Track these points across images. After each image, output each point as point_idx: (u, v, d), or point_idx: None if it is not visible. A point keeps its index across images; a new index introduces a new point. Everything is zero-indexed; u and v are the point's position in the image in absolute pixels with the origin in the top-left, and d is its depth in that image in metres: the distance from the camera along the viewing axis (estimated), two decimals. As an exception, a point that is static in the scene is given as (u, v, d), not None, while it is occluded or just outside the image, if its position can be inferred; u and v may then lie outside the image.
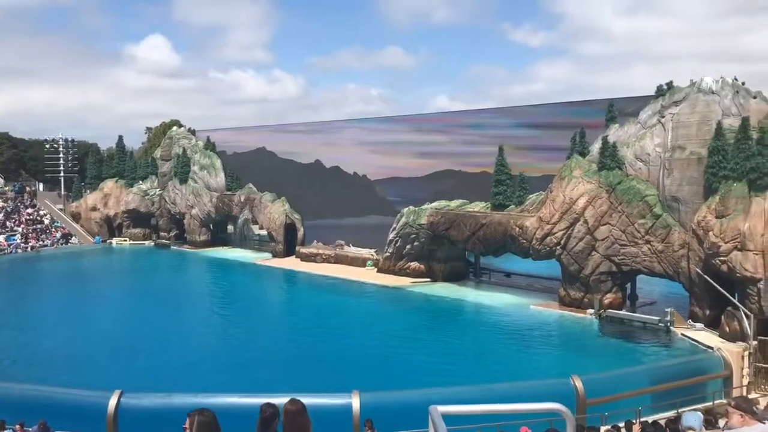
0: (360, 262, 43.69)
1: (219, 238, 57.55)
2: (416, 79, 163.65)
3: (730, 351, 22.01)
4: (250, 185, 53.36)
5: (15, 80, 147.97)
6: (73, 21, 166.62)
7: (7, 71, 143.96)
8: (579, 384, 12.99)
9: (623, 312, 29.57)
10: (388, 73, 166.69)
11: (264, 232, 53.27)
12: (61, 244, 55.64)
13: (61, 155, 68.39)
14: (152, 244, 58.43)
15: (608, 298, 29.99)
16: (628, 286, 31.97)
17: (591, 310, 29.82)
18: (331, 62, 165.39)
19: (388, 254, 40.65)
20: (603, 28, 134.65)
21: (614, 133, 31.26)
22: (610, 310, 29.37)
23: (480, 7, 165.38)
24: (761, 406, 12.93)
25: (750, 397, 18.37)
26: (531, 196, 34.38)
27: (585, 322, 29.29)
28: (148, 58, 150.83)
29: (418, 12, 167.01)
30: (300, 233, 49.68)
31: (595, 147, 31.70)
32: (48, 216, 59.93)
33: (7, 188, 62.13)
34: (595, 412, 14.50)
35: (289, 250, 49.16)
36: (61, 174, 68.18)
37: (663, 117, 29.05)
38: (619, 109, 31.98)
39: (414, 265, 39.40)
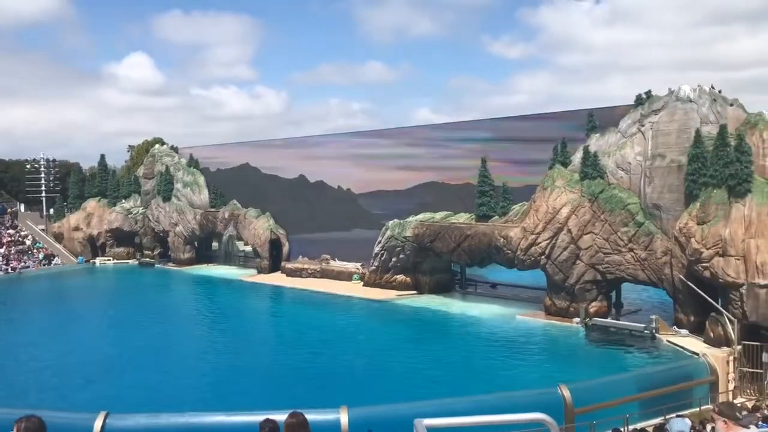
0: (346, 276, 43.62)
1: (204, 256, 57.18)
2: (398, 93, 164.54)
3: (715, 356, 22.20)
4: (234, 201, 53.19)
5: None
6: (53, 40, 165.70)
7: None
8: (567, 393, 13.04)
9: (609, 320, 29.74)
10: (369, 88, 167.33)
11: (249, 249, 53.06)
12: (44, 265, 55.02)
13: (43, 175, 67.81)
14: (136, 262, 57.95)
15: (594, 307, 30.18)
16: (613, 294, 32.19)
17: (577, 319, 29.96)
18: (312, 77, 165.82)
19: (374, 267, 40.63)
20: (581, 40, 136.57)
21: (595, 142, 31.57)
22: (595, 319, 29.51)
23: (459, 20, 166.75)
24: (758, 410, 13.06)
25: (736, 401, 18.52)
26: (515, 206, 34.59)
27: (571, 330, 29.42)
28: (130, 76, 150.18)
29: (398, 27, 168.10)
30: (285, 248, 49.53)
31: (577, 157, 31.99)
32: (30, 237, 59.30)
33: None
34: (583, 421, 14.56)
35: (274, 266, 48.99)
36: (43, 194, 67.56)
37: (643, 126, 29.41)
38: (599, 119, 32.32)
39: (400, 277, 39.42)
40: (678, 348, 24.76)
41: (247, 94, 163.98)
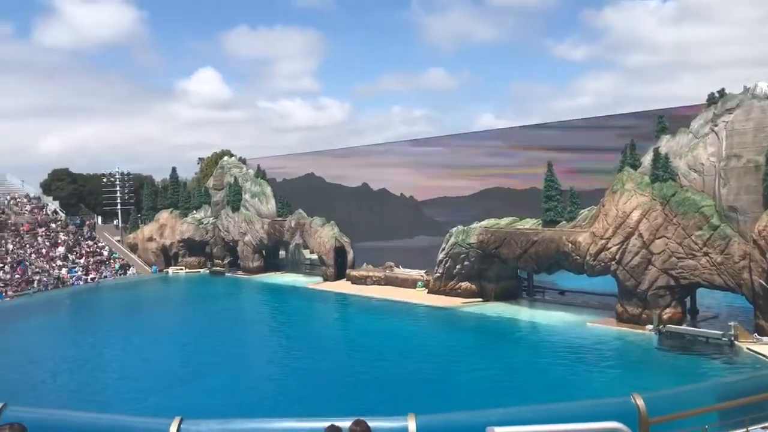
0: (410, 284, 43.61)
1: (271, 264, 58.32)
2: (460, 99, 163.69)
3: (801, 365, 21.12)
4: (300, 211, 54.05)
5: (74, 118, 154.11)
6: (127, 59, 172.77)
7: (67, 109, 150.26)
8: (640, 402, 12.57)
9: (684, 327, 28.65)
10: (431, 95, 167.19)
11: (315, 257, 53.79)
12: (120, 274, 57.23)
13: (118, 188, 70.67)
14: (207, 271, 59.62)
15: (667, 313, 29.15)
16: (688, 299, 31.01)
17: (650, 326, 29.01)
18: (375, 87, 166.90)
19: (438, 275, 40.47)
20: (647, 39, 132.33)
21: (665, 144, 30.61)
22: (669, 326, 28.49)
23: (521, 25, 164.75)
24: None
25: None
26: (583, 211, 33.86)
27: (644, 338, 28.51)
28: (200, 91, 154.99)
29: (458, 33, 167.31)
30: (350, 256, 49.95)
31: (647, 159, 31.07)
32: (107, 248, 61.81)
33: (68, 222, 64.33)
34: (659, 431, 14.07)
35: (339, 274, 49.47)
36: (118, 206, 70.39)
37: (716, 125, 28.34)
38: (669, 120, 31.33)
39: (465, 284, 39.11)
40: (759, 356, 23.64)
41: (312, 106, 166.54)
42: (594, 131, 35.93)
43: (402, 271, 45.84)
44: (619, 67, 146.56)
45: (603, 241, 30.67)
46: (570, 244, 32.05)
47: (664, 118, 31.43)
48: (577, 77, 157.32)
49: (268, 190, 58.20)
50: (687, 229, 28.21)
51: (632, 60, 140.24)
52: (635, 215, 29.87)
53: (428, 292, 41.08)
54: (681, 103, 31.97)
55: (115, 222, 71.35)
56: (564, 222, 34.26)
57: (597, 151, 35.27)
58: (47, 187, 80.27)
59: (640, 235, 29.61)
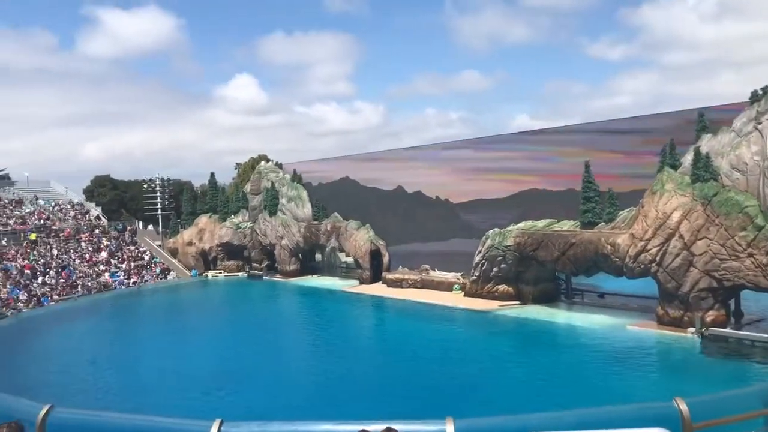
0: (446, 287, 43.48)
1: (308, 267, 58.77)
2: (495, 100, 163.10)
3: None
4: (336, 214, 54.37)
5: (115, 125, 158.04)
6: (167, 67, 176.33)
7: (109, 117, 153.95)
8: (684, 407, 12.32)
9: (728, 330, 28.00)
10: (466, 96, 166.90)
11: (350, 260, 54.03)
12: (161, 278, 58.28)
13: (158, 194, 72.20)
14: (245, 275, 60.36)
15: (710, 316, 28.51)
16: (732, 302, 30.28)
17: (692, 329, 28.42)
18: (409, 89, 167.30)
19: (474, 278, 40.27)
20: (686, 37, 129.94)
21: (707, 143, 29.96)
22: (713, 328, 27.88)
23: (555, 24, 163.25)
24: None
25: None
26: (622, 212, 33.35)
27: (686, 341, 27.94)
28: (237, 97, 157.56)
29: (492, 34, 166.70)
30: (385, 259, 50.03)
31: (687, 159, 30.45)
32: (148, 252, 63.03)
33: (110, 227, 65.82)
34: (702, 437, 13.77)
35: (375, 277, 49.59)
36: (159, 212, 71.87)
37: (760, 123, 27.63)
38: (709, 118, 30.66)
39: (502, 287, 38.85)
40: (808, 360, 22.98)
41: (347, 110, 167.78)
42: (632, 131, 35.37)
43: (438, 274, 45.73)
44: (657, 66, 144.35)
45: (642, 243, 30.16)
46: (609, 246, 31.60)
47: (704, 116, 30.78)
48: (613, 76, 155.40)
49: (304, 194, 58.70)
50: (730, 229, 27.56)
51: (671, 58, 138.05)
52: (676, 216, 29.30)
53: (464, 295, 40.90)
54: (722, 102, 31.28)
55: (153, 227, 72.80)
56: (602, 224, 33.79)
57: (635, 152, 34.72)
58: (90, 194, 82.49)
59: (681, 237, 29.04)
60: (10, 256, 52.33)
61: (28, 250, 54.46)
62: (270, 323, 39.23)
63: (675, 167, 30.92)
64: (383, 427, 5.45)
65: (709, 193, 28.68)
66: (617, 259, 31.21)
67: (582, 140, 37.62)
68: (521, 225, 38.02)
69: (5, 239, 55.35)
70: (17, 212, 62.54)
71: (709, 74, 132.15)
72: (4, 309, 42.39)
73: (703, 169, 29.19)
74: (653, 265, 29.85)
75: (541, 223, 37.37)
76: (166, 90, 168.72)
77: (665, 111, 34.78)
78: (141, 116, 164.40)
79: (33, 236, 57.24)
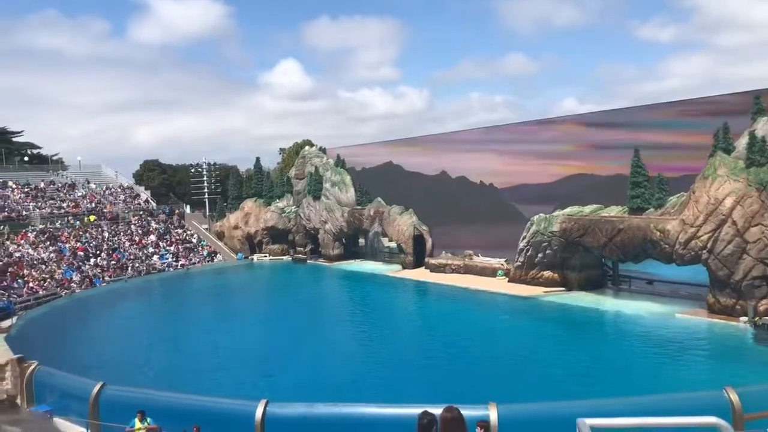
0: (490, 272, 43.22)
1: (351, 252, 59.13)
2: (542, 84, 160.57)
3: None
4: (379, 199, 54.46)
5: (165, 111, 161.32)
6: (215, 54, 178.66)
7: (159, 103, 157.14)
8: (734, 397, 12.05)
9: (783, 319, 27.15)
10: (512, 80, 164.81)
11: (393, 245, 54.16)
12: (207, 261, 59.41)
13: (205, 178, 73.40)
14: (290, 258, 61.11)
15: (764, 305, 27.66)
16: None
17: (744, 318, 27.66)
18: (454, 74, 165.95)
19: (519, 263, 39.92)
20: (741, 17, 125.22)
21: (762, 126, 28.94)
22: (766, 318, 27.07)
23: (604, 6, 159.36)
24: None
25: None
26: (671, 198, 32.55)
27: (738, 330, 27.21)
28: (282, 83, 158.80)
29: (539, 17, 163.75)
30: (428, 244, 49.95)
31: (742, 143, 29.48)
32: (195, 236, 64.28)
33: (158, 210, 67.32)
34: (754, 429, 13.42)
35: (418, 262, 49.59)
36: (206, 196, 73.15)
37: (820, 106, 26.56)
38: (766, 101, 29.58)
39: (547, 273, 38.41)
40: None
41: (391, 94, 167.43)
42: (684, 114, 34.37)
43: (481, 260, 45.47)
44: (709, 48, 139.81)
45: (693, 229, 29.40)
46: (658, 232, 30.90)
47: (761, 99, 29.70)
48: (664, 59, 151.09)
49: (348, 179, 58.95)
50: (786, 216, 26.64)
51: (724, 39, 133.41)
52: (728, 202, 28.45)
53: (509, 281, 40.60)
54: (780, 83, 30.12)
55: (200, 210, 74.18)
56: (651, 209, 33.05)
57: (687, 135, 33.76)
58: (139, 178, 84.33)
59: (734, 223, 28.19)
60: (63, 238, 54.04)
61: (81, 233, 56.15)
62: (314, 306, 39.70)
63: (728, 151, 30.00)
64: (431, 410, 5.47)
65: (765, 178, 27.75)
66: (666, 246, 30.51)
67: (631, 124, 36.75)
68: (567, 210, 37.46)
69: (60, 221, 57.18)
70: (70, 196, 64.44)
71: (765, 55, 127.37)
72: (59, 289, 43.87)
73: (759, 153, 28.24)
74: (704, 252, 29.09)
75: (587, 209, 36.75)
76: (213, 76, 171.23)
77: (718, 93, 33.72)
78: (189, 102, 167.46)
79: (92, 218, 59.44)
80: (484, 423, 6.97)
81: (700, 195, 29.69)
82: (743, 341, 25.97)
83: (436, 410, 5.04)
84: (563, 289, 37.38)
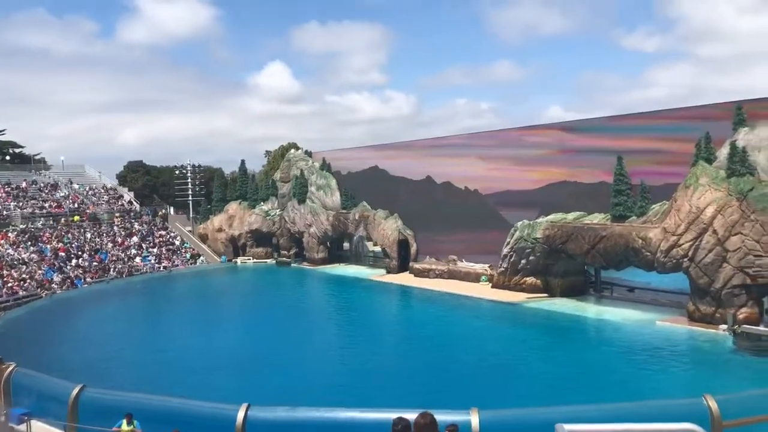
0: (473, 277, 43.35)
1: (336, 255, 59.07)
2: (527, 91, 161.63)
3: None
4: (364, 203, 54.46)
5: (151, 112, 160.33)
6: (202, 55, 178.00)
7: (145, 103, 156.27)
8: (713, 404, 12.17)
9: (761, 327, 27.45)
10: (498, 87, 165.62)
11: (378, 249, 54.16)
12: (190, 263, 59.05)
13: (189, 180, 73.02)
14: (274, 262, 60.89)
15: (743, 313, 27.96)
16: (766, 299, 29.67)
17: (724, 326, 27.94)
18: (441, 80, 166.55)
19: (502, 269, 40.08)
20: (725, 29, 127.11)
21: (743, 137, 29.32)
22: (745, 326, 27.36)
23: (590, 15, 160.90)
24: None
25: None
26: (654, 206, 32.87)
27: (717, 338, 27.49)
28: (270, 85, 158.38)
29: (526, 25, 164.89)
30: (413, 249, 50.02)
31: (723, 153, 29.85)
32: (178, 237, 63.89)
33: (141, 212, 66.85)
34: (732, 436, 13.55)
35: (402, 266, 49.65)
36: (190, 197, 72.76)
37: (799, 117, 26.96)
38: (747, 112, 29.96)
39: (530, 280, 38.59)
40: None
41: (379, 99, 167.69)
42: (666, 124, 34.71)
43: (465, 265, 45.61)
44: (694, 58, 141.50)
45: (675, 238, 29.71)
46: (640, 240, 31.18)
47: (742, 109, 30.10)
48: (649, 68, 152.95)
49: (333, 182, 58.89)
50: (766, 225, 26.98)
51: (708, 50, 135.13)
52: (709, 211, 28.78)
53: (492, 287, 40.74)
54: (760, 95, 30.50)
55: (184, 212, 73.76)
56: (634, 217, 33.34)
57: (670, 144, 34.09)
58: (123, 179, 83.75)
59: (715, 232, 28.52)
60: (45, 239, 53.48)
61: (63, 233, 55.61)
62: (297, 310, 39.54)
63: (710, 161, 30.35)
64: (408, 415, 5.48)
65: (745, 187, 28.09)
66: (648, 254, 30.79)
67: (615, 132, 37.05)
68: (551, 217, 37.69)
69: (42, 221, 56.58)
70: (52, 196, 63.81)
71: (747, 67, 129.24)
72: (39, 290, 43.40)
73: (740, 164, 28.60)
74: (685, 260, 29.39)
75: (571, 216, 37.00)
76: (201, 78, 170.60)
77: (701, 104, 34.11)
78: (177, 103, 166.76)
79: (76, 218, 59.04)
80: (453, 427, 7.16)
81: (681, 204, 30.00)
82: (723, 349, 26.24)
83: (413, 416, 5.05)
84: (546, 295, 37.58)
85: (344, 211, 56.27)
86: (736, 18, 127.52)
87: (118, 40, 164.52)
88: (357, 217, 53.98)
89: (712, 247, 28.54)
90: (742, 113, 29.96)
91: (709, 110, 32.71)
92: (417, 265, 47.96)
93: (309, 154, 65.10)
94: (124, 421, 13.86)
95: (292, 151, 68.70)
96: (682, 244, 29.41)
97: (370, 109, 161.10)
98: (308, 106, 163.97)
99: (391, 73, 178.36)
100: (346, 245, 61.11)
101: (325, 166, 60.42)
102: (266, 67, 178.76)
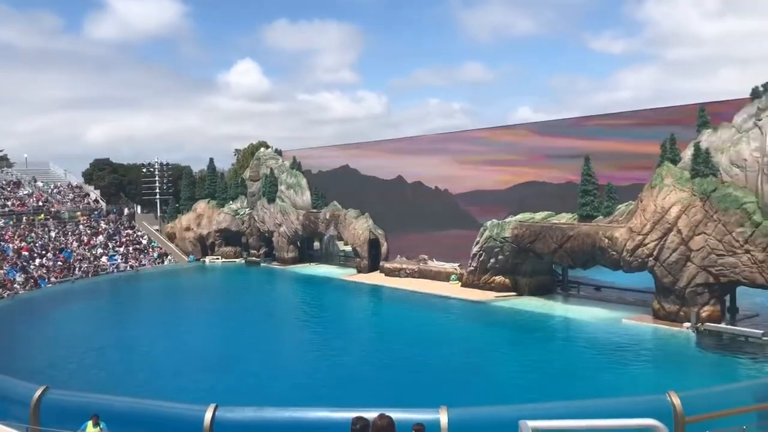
0: (444, 277, 43.56)
1: (306, 255, 58.82)
2: (497, 93, 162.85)
3: None
4: (335, 203, 54.30)
5: (120, 109, 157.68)
6: (172, 52, 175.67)
7: (113, 101, 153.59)
8: (677, 400, 12.40)
9: (723, 325, 28.10)
10: (469, 88, 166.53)
11: (349, 248, 54.06)
12: (158, 263, 58.29)
13: (157, 178, 72.02)
14: (243, 261, 60.39)
15: (706, 311, 28.58)
16: (727, 298, 30.36)
17: (687, 324, 28.52)
18: (412, 80, 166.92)
19: (471, 268, 40.33)
20: (690, 33, 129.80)
21: (707, 138, 29.93)
22: (708, 324, 27.98)
23: (559, 17, 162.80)
24: None
25: None
26: (620, 206, 33.36)
27: (681, 336, 28.04)
28: (240, 83, 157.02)
29: (496, 27, 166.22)
30: (384, 248, 50.05)
31: (687, 154, 30.45)
32: (145, 236, 63.00)
33: (108, 211, 65.78)
34: (695, 431, 13.82)
35: (373, 266, 49.64)
36: (157, 196, 71.74)
37: (760, 120, 27.61)
38: (710, 114, 30.59)
39: (499, 279, 38.90)
40: (801, 357, 23.06)
41: (350, 98, 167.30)
42: (633, 125, 35.28)
43: (436, 264, 45.79)
44: (660, 61, 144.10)
45: (640, 237, 30.21)
46: (606, 240, 31.64)
47: (705, 111, 30.71)
48: (616, 71, 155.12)
49: (304, 181, 58.55)
50: (728, 225, 27.59)
51: (674, 53, 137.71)
52: (674, 211, 29.33)
53: (462, 286, 40.98)
54: (723, 97, 31.22)
55: (151, 211, 72.74)
56: (600, 217, 33.82)
57: (636, 145, 34.64)
58: (89, 177, 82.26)
59: (679, 231, 29.07)
60: (7, 238, 52.31)
61: (26, 232, 54.44)
62: (266, 310, 39.27)
63: (674, 162, 30.93)
64: (377, 414, 5.48)
65: (708, 188, 28.68)
66: (614, 253, 31.26)
67: (583, 133, 37.54)
68: (519, 217, 38.03)
69: (3, 220, 55.31)
70: (15, 194, 62.42)
71: (711, 70, 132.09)
72: (1, 290, 42.41)
73: (703, 164, 29.18)
74: (650, 259, 29.91)
75: (539, 216, 37.37)
76: (170, 75, 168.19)
77: (666, 106, 34.75)
78: (145, 101, 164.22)
79: (40, 217, 57.83)
80: (419, 426, 7.22)
81: (647, 204, 30.52)
82: (686, 346, 26.77)
83: (371, 415, 5.06)
84: (514, 294, 37.92)
85: (315, 210, 56.05)
86: (702, 22, 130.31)
87: (84, 35, 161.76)
88: (328, 217, 53.83)
89: (677, 246, 29.09)
90: (705, 115, 30.57)
91: (674, 112, 33.35)
92: (388, 265, 48.00)
93: (279, 152, 64.68)
94: (90, 423, 13.59)
95: (262, 149, 68.16)
96: (648, 243, 29.93)
97: (341, 108, 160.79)
98: (279, 104, 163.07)
99: (363, 72, 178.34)
100: (316, 245, 60.89)
101: (296, 165, 60.07)
102: (236, 64, 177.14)
